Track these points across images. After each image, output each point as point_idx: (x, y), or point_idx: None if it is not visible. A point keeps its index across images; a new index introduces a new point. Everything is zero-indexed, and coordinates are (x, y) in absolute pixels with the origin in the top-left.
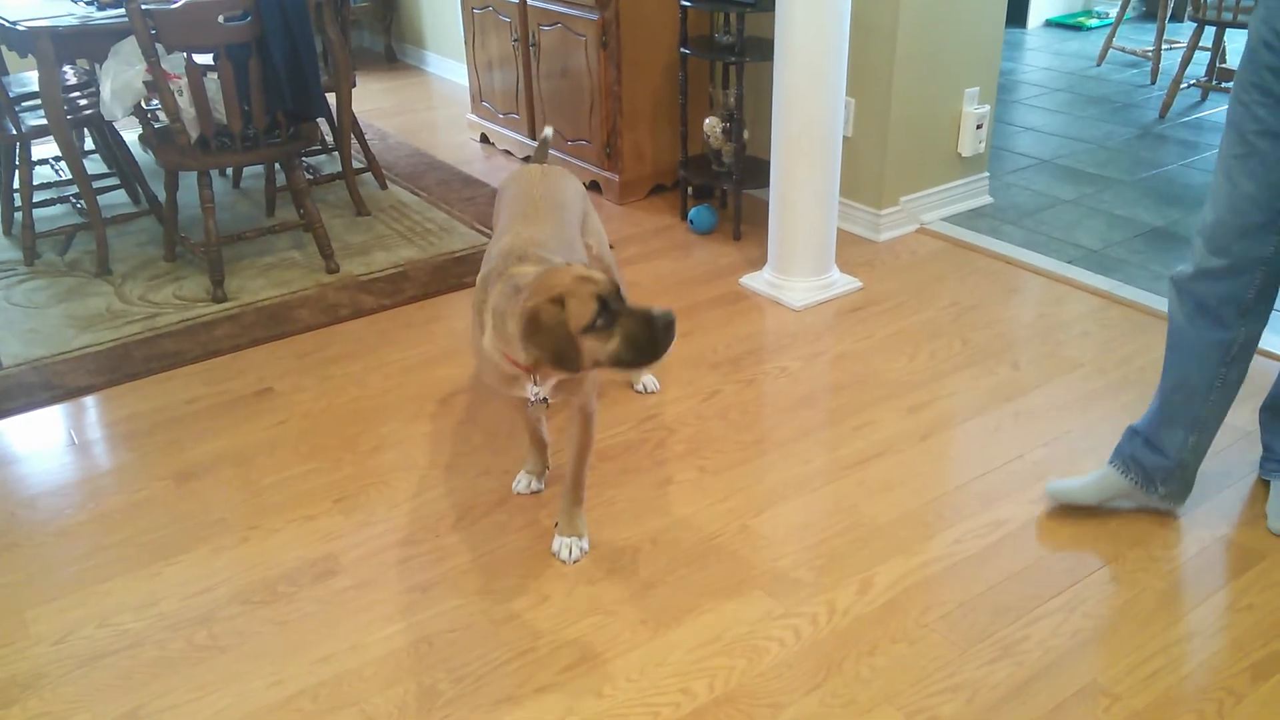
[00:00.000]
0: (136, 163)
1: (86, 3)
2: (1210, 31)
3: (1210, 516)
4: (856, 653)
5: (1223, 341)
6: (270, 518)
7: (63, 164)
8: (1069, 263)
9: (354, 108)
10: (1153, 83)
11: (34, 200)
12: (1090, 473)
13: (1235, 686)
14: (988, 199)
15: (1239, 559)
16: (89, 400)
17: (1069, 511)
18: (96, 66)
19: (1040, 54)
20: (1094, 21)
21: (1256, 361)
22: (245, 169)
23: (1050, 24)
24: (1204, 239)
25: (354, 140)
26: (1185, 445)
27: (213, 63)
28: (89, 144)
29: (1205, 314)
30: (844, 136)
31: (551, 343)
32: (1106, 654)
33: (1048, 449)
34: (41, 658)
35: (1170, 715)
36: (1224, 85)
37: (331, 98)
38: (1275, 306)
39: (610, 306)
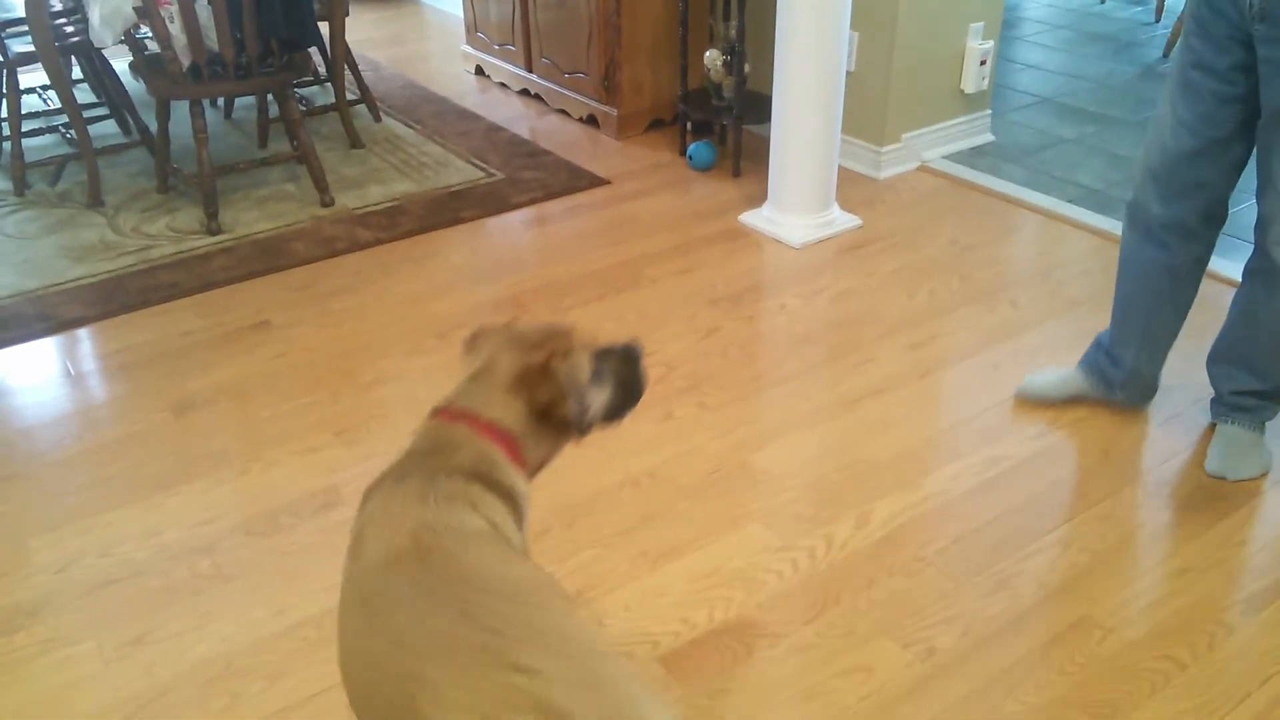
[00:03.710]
0: (127, 92)
1: None
2: None
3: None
4: (854, 585)
5: (1166, 263)
6: (271, 450)
7: (51, 93)
8: (1069, 202)
9: (347, 38)
10: (1157, 20)
11: (22, 130)
12: (1057, 371)
13: (1227, 620)
14: (989, 137)
15: (1234, 496)
16: (83, 332)
17: (1065, 447)
18: None
19: None
20: None
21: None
22: (237, 100)
23: None
24: (1146, 165)
25: (347, 71)
26: (1138, 358)
27: None
28: (77, 72)
29: (1150, 238)
30: (847, 71)
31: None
32: (1100, 588)
33: None
34: (45, 586)
35: (1162, 647)
36: None
37: (324, 27)
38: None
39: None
